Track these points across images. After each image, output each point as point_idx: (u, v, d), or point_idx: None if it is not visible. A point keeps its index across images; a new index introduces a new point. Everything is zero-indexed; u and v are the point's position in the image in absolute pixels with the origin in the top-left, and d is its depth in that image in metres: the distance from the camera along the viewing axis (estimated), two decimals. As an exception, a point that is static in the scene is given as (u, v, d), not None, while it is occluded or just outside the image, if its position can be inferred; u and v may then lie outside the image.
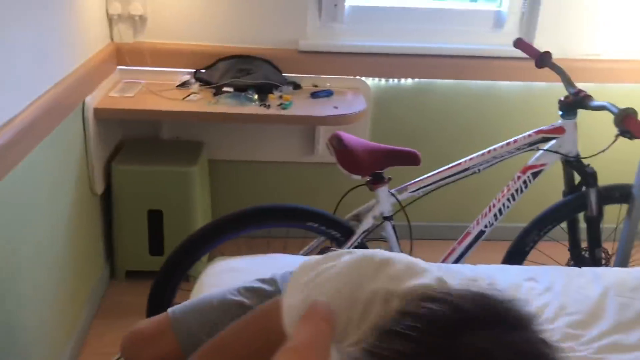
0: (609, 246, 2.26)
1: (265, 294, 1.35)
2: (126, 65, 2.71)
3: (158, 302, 1.86)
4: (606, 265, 2.25)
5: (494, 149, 2.04)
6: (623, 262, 2.19)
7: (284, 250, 2.05)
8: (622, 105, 1.84)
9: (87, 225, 2.43)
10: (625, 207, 2.15)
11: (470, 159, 2.05)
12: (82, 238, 2.35)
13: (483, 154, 2.05)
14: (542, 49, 2.15)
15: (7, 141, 1.59)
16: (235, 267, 1.77)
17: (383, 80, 2.89)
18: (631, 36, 2.85)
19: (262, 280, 1.39)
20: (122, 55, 2.68)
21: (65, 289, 2.16)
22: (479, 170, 2.05)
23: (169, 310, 1.37)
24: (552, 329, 1.63)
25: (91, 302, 2.47)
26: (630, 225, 2.14)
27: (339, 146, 1.83)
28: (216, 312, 1.32)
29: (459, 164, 2.05)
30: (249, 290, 1.36)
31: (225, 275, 1.71)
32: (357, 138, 1.95)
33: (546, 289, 1.77)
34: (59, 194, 2.09)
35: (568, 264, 2.27)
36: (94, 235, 2.53)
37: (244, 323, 1.01)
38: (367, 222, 2.01)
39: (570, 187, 2.16)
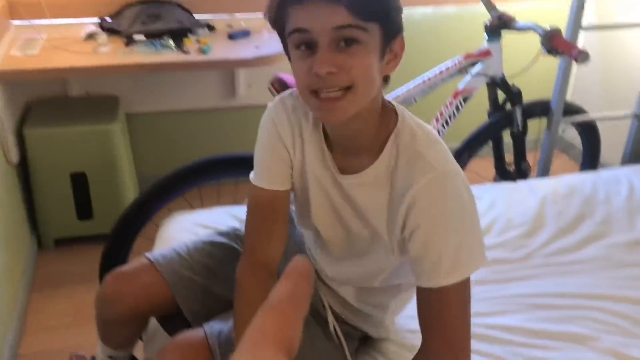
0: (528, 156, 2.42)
1: (241, 236, 1.42)
2: (22, 20, 2.47)
3: (111, 264, 1.79)
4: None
5: (429, 78, 2.10)
6: (545, 170, 2.37)
7: (234, 201, 2.03)
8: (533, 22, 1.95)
9: (8, 198, 2.26)
10: (545, 121, 2.31)
11: (407, 90, 2.09)
12: (5, 213, 2.19)
13: (419, 84, 2.10)
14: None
15: None
16: (196, 220, 1.74)
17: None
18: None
19: (231, 229, 1.47)
20: (15, 8, 2.44)
21: (-1, 268, 2.03)
22: (415, 100, 2.10)
23: (145, 254, 1.40)
24: (503, 241, 1.75)
25: (26, 277, 2.34)
26: (551, 136, 2.30)
27: (282, 88, 1.80)
28: (192, 253, 1.39)
29: (397, 96, 2.09)
30: (224, 234, 1.44)
31: (187, 229, 1.69)
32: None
33: (490, 206, 1.89)
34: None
35: (495, 180, 2.42)
36: (16, 207, 2.37)
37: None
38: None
39: (495, 107, 2.27)
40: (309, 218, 1.18)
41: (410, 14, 2.91)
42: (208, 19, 2.66)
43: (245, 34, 2.62)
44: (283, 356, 0.35)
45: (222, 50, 2.46)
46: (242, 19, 2.73)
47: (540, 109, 2.28)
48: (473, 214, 1.02)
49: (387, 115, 1.06)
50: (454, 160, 1.03)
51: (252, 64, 2.42)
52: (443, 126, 2.15)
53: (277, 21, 0.98)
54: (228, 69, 2.76)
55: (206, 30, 2.60)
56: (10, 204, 2.29)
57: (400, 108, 1.08)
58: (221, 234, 1.44)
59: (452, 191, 0.99)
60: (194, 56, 2.39)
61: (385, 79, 1.03)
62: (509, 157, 2.36)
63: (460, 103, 2.14)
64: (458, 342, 1.00)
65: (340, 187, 1.11)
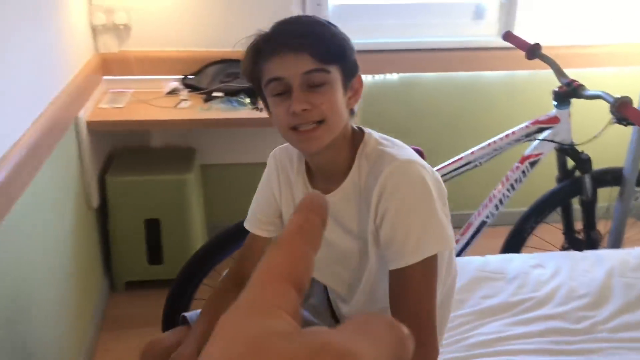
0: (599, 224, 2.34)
1: None
2: (112, 76, 2.68)
3: (174, 312, 1.86)
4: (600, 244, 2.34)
5: (494, 142, 2.10)
6: (617, 241, 2.28)
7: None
8: (606, 90, 1.92)
9: (86, 240, 2.40)
10: (616, 189, 2.24)
11: (472, 152, 2.10)
12: (82, 254, 2.32)
13: (484, 147, 2.10)
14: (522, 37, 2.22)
15: (16, 164, 1.57)
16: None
17: (369, 77, 2.92)
18: (608, 22, 2.94)
19: None
20: (108, 65, 2.65)
21: (72, 307, 2.14)
22: (480, 163, 2.10)
23: (187, 317, 1.45)
24: (565, 311, 1.70)
25: (96, 317, 2.45)
26: (623, 206, 2.23)
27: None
28: None
29: (461, 157, 2.10)
30: None
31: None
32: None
33: (553, 274, 1.84)
34: (60, 213, 2.07)
35: (563, 247, 2.35)
36: (93, 249, 2.51)
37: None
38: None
39: (564, 173, 2.23)
40: None
41: (481, 76, 2.95)
42: (283, 78, 2.79)
43: (317, 93, 2.72)
44: (293, 291, 0.33)
45: (293, 108, 2.56)
46: (316, 78, 2.84)
47: (612, 177, 2.22)
48: (438, 199, 1.12)
49: (356, 137, 1.22)
50: (420, 159, 1.16)
51: (321, 122, 2.50)
52: (508, 190, 2.14)
53: (253, 76, 1.17)
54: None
55: (280, 89, 2.72)
56: (87, 246, 2.43)
57: (367, 129, 1.24)
58: None
59: (416, 176, 1.11)
60: (266, 113, 2.49)
61: (351, 112, 1.20)
62: (580, 224, 2.30)
63: (527, 168, 2.12)
64: (422, 316, 1.08)
65: None
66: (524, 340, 1.57)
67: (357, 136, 1.22)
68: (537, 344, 1.58)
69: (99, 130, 2.45)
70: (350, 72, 1.16)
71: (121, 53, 2.67)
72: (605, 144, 2.33)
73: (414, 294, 1.09)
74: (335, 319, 1.44)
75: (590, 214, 2.20)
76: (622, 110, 1.80)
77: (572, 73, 2.13)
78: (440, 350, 1.27)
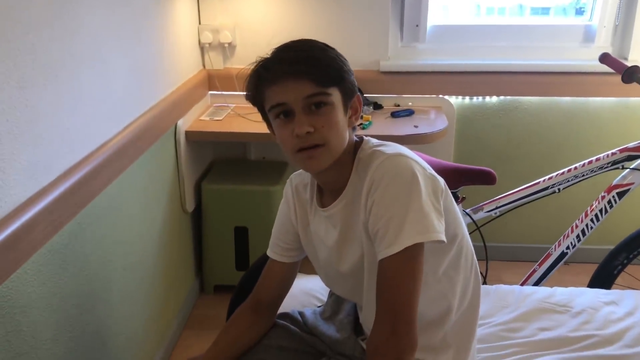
0: None
1: (298, 323, 1.50)
2: (217, 90, 2.87)
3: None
4: None
5: (575, 168, 1.98)
6: None
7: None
8: None
9: (178, 241, 2.57)
10: None
11: (549, 177, 1.99)
12: (173, 253, 2.49)
13: (563, 172, 1.99)
14: (637, 63, 2.06)
15: (102, 162, 1.73)
16: (308, 286, 1.82)
17: (467, 99, 2.87)
18: None
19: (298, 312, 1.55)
20: (212, 80, 2.84)
21: (156, 301, 2.30)
22: (558, 189, 1.99)
23: None
24: (632, 354, 1.55)
25: (181, 314, 2.60)
26: None
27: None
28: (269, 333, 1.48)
29: (537, 183, 2.00)
30: (288, 316, 1.53)
31: (297, 292, 1.77)
32: (429, 157, 1.95)
33: (628, 314, 1.69)
34: (151, 211, 2.24)
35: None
36: (185, 250, 2.68)
37: None
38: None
39: (663, 207, 2.04)
40: (327, 279, 1.39)
41: (587, 102, 2.78)
42: (377, 98, 2.82)
43: (408, 112, 2.72)
44: None
45: (380, 126, 2.58)
46: (411, 99, 2.84)
47: None
48: (430, 193, 1.12)
49: (357, 147, 1.24)
50: (412, 154, 1.17)
51: (406, 141, 2.49)
52: (592, 221, 1.99)
53: (256, 100, 1.21)
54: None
55: (371, 108, 2.76)
56: (180, 247, 2.60)
57: (367, 137, 1.26)
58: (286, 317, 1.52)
59: (402, 167, 1.13)
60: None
61: (353, 128, 1.24)
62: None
63: (614, 198, 1.96)
64: (400, 306, 1.08)
65: (329, 220, 1.27)
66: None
67: (358, 145, 1.25)
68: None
69: (195, 139, 2.63)
70: (349, 93, 1.20)
71: (226, 70, 2.85)
72: None
73: (393, 284, 1.09)
74: (357, 330, 1.43)
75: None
76: None
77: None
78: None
